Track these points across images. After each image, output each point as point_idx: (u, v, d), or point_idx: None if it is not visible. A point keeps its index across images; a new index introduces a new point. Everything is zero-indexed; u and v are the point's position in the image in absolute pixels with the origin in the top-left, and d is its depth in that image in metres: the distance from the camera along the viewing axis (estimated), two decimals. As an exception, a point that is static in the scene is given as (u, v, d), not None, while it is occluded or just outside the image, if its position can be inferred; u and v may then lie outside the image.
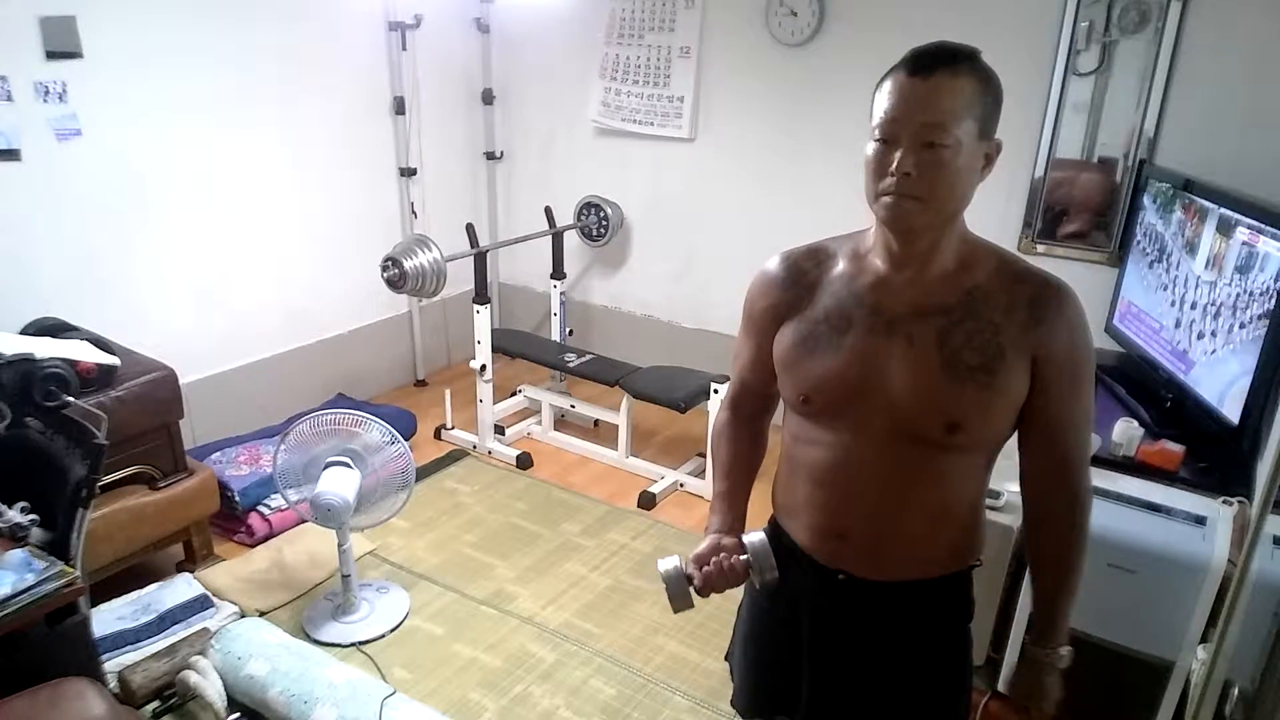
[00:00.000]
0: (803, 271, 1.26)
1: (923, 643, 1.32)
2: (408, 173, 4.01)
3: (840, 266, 1.25)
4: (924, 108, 1.08)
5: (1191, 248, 2.38)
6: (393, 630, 2.61)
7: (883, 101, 1.12)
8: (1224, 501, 2.05)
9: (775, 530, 1.39)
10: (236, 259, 3.42)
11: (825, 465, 1.26)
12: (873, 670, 1.33)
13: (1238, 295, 2.16)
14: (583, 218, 4.09)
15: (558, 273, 3.97)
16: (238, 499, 2.96)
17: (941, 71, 1.07)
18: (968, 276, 1.18)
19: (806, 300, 1.25)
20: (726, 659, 1.56)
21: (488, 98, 4.32)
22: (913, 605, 1.30)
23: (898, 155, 1.09)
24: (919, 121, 1.08)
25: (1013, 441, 1.26)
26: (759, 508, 1.42)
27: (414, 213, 4.08)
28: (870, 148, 1.13)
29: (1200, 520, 1.98)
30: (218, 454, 3.16)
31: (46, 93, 2.74)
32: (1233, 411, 2.13)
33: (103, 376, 2.44)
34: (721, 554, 1.26)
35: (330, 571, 2.79)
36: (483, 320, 3.53)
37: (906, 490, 1.22)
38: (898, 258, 1.18)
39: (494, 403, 3.69)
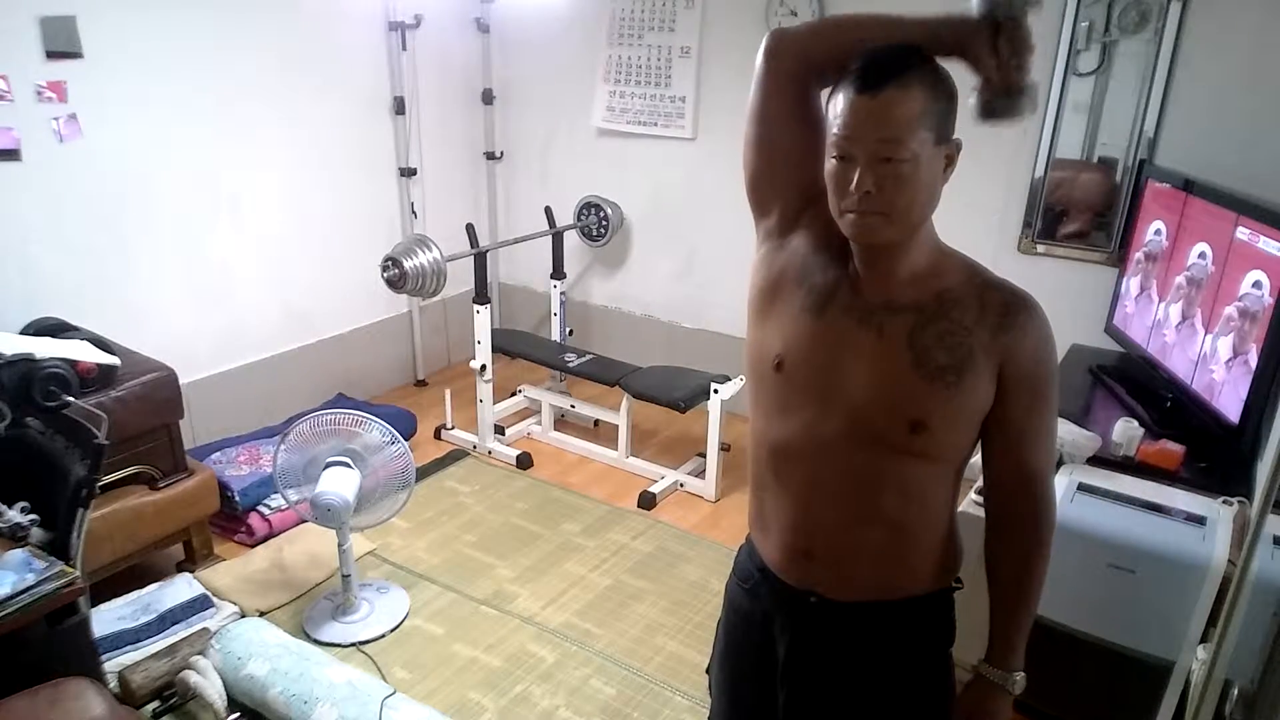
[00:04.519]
0: (828, 227, 1.21)
1: (899, 667, 1.30)
2: (408, 173, 4.01)
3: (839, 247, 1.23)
4: (877, 125, 1.07)
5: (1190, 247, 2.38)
6: (393, 630, 2.61)
7: (836, 117, 1.10)
8: (1224, 501, 2.05)
9: (750, 549, 1.38)
10: (236, 259, 3.42)
11: (790, 475, 1.25)
12: (848, 695, 1.31)
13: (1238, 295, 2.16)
14: (583, 218, 4.09)
15: (558, 273, 3.97)
16: (238, 499, 2.96)
17: (891, 86, 1.06)
18: (938, 280, 1.17)
19: (810, 247, 1.24)
20: (707, 672, 1.54)
21: (488, 98, 4.32)
22: (887, 628, 1.28)
23: (856, 174, 1.08)
24: (873, 139, 1.07)
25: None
26: (743, 522, 1.42)
27: (414, 213, 4.08)
28: (829, 164, 1.12)
29: (1200, 520, 1.98)
30: (218, 454, 3.16)
31: (46, 93, 2.75)
32: (1233, 411, 2.13)
33: (103, 376, 2.44)
34: None
35: (330, 571, 2.79)
36: (483, 320, 3.53)
37: (870, 502, 1.21)
38: (867, 260, 1.18)
39: (494, 403, 3.69)
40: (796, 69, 1.21)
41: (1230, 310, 2.19)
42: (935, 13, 1.14)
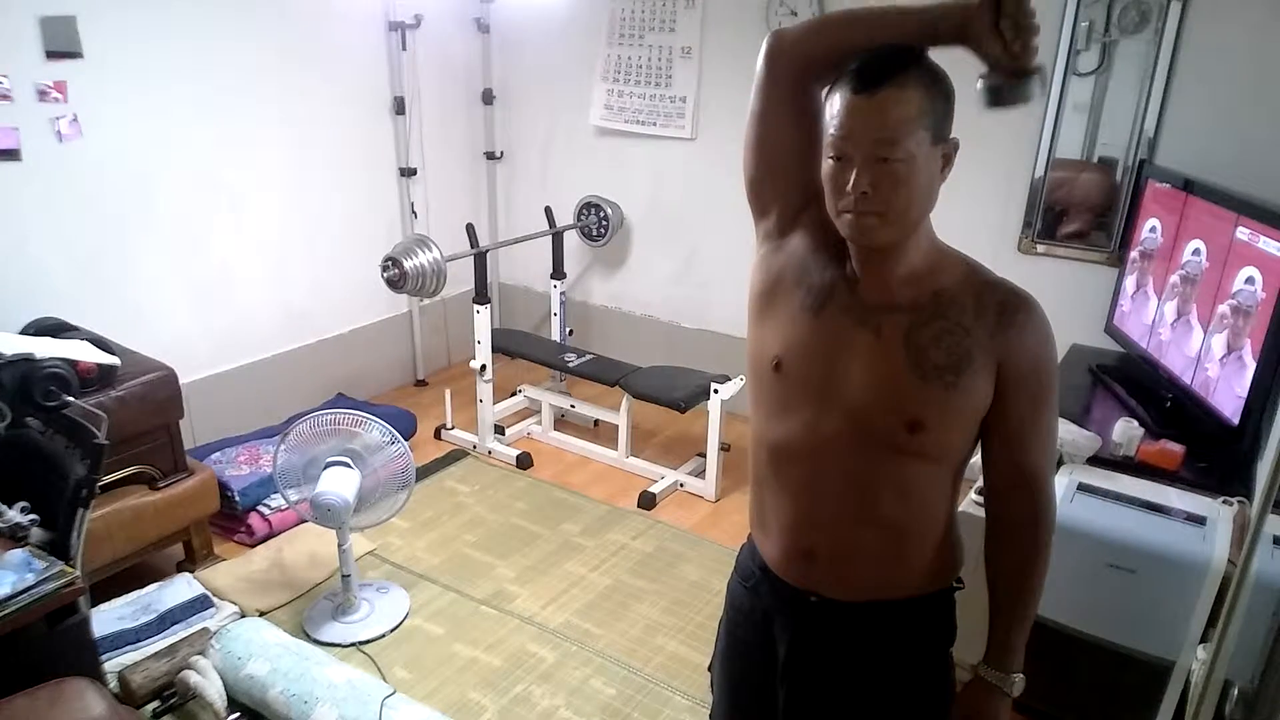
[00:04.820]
0: (826, 228, 1.20)
1: (899, 667, 1.30)
2: (408, 173, 4.01)
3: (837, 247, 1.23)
4: (873, 125, 1.06)
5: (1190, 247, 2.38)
6: (393, 630, 2.61)
7: (833, 117, 1.10)
8: (1224, 501, 2.05)
9: (752, 548, 1.38)
10: (236, 259, 3.42)
11: (790, 475, 1.25)
12: (849, 694, 1.31)
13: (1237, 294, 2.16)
14: (583, 218, 4.09)
15: (558, 273, 3.97)
16: (238, 499, 2.96)
17: (887, 86, 1.06)
18: (935, 280, 1.17)
19: (808, 248, 1.24)
20: (709, 670, 1.54)
21: (488, 98, 4.32)
22: (887, 628, 1.28)
23: (853, 174, 1.08)
24: (870, 139, 1.07)
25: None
26: (743, 522, 1.41)
27: (414, 213, 4.08)
28: (825, 165, 1.12)
29: (1200, 520, 1.98)
30: (218, 454, 3.16)
31: (46, 93, 2.75)
32: (1233, 411, 2.13)
33: (103, 376, 2.44)
34: None
35: (330, 571, 2.79)
36: (483, 320, 3.53)
37: (870, 502, 1.21)
38: (864, 259, 1.18)
39: (494, 403, 3.69)
40: (796, 70, 1.20)
41: (1230, 311, 2.19)
42: (934, 1, 1.12)
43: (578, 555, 3.01)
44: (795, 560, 1.28)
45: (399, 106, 3.90)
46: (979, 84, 1.11)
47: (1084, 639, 2.02)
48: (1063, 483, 2.10)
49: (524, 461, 3.57)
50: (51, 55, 2.73)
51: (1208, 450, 2.21)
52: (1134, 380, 2.58)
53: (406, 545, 3.03)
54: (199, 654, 2.31)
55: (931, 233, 1.18)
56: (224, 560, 2.86)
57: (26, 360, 2.17)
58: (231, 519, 3.01)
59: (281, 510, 3.00)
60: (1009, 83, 1.09)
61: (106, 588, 2.51)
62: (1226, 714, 1.72)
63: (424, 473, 3.41)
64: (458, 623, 2.66)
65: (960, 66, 1.14)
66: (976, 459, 1.27)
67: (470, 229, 3.52)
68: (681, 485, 3.46)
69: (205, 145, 3.22)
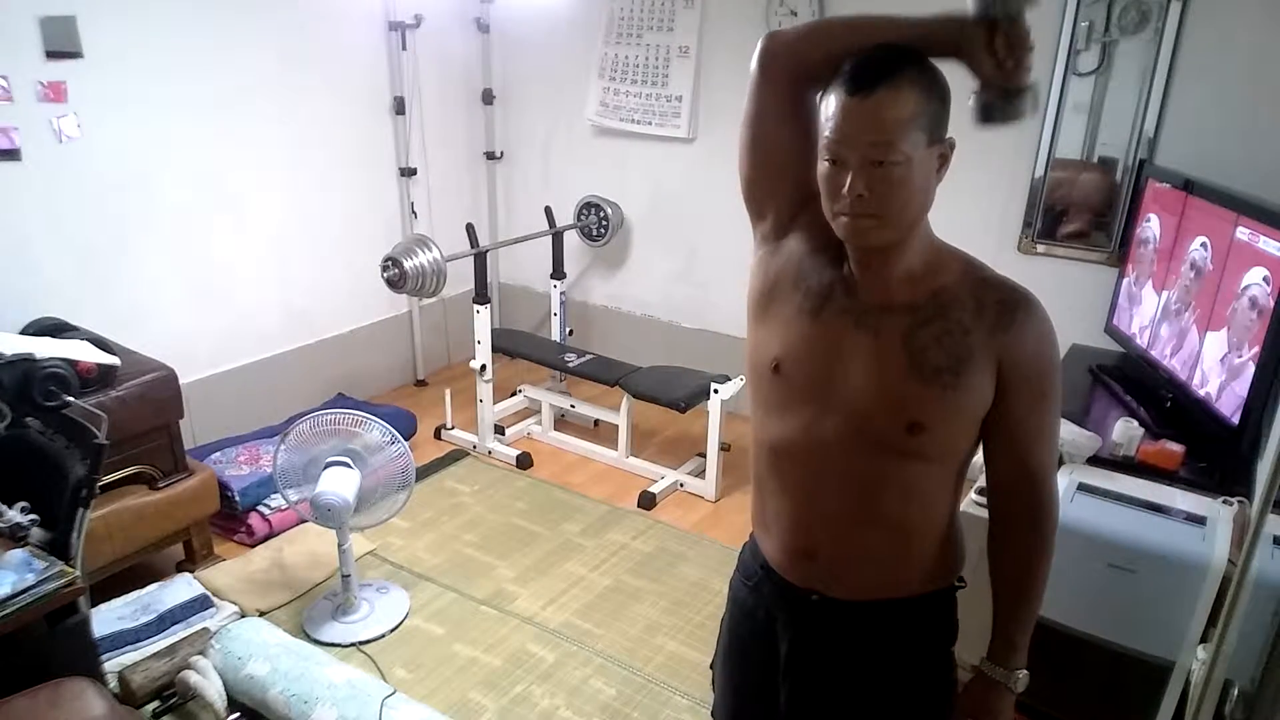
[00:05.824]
0: (824, 229, 1.19)
1: (901, 665, 1.30)
2: (408, 173, 4.01)
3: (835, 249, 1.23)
4: (868, 128, 1.05)
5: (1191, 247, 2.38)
6: (393, 630, 2.61)
7: (827, 120, 1.10)
8: (1224, 501, 2.05)
9: (754, 546, 1.38)
10: (236, 259, 3.43)
11: (790, 475, 1.26)
12: (850, 692, 1.31)
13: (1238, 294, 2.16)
14: (583, 218, 4.09)
15: (558, 273, 3.97)
16: (238, 499, 2.96)
17: (883, 88, 1.05)
18: (934, 279, 1.17)
19: (806, 249, 1.24)
20: (711, 667, 1.55)
21: (488, 98, 4.32)
22: (889, 626, 1.28)
23: (849, 177, 1.08)
24: (865, 141, 1.06)
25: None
26: (743, 521, 1.41)
27: (414, 213, 4.08)
28: (821, 167, 1.12)
29: (1200, 520, 1.98)
30: (218, 454, 3.16)
31: (46, 93, 2.75)
32: (1233, 411, 2.13)
33: (103, 376, 2.44)
34: None
35: (330, 571, 2.79)
36: (483, 320, 3.54)
37: (871, 502, 1.21)
38: (862, 261, 1.18)
39: (494, 403, 3.69)
40: (790, 73, 1.20)
41: (1230, 310, 2.19)
42: (930, 13, 1.12)
43: (578, 555, 3.01)
44: (796, 559, 1.28)
45: (399, 106, 3.90)
46: (971, 100, 1.12)
47: (1084, 639, 2.01)
48: (1063, 483, 2.09)
49: (524, 461, 3.57)
50: (51, 55, 2.73)
51: (1208, 450, 2.21)
52: (1134, 380, 2.58)
53: (406, 545, 3.03)
54: (199, 654, 2.31)
55: (930, 232, 1.18)
56: (224, 560, 2.86)
57: (26, 360, 2.17)
58: (231, 519, 3.01)
59: (281, 510, 3.00)
60: (1000, 100, 1.10)
61: (106, 588, 2.51)
62: (1226, 714, 1.72)
63: (424, 473, 3.41)
64: (458, 623, 2.66)
65: (958, 65, 1.14)
66: (978, 458, 1.27)
67: (470, 229, 3.52)
68: (681, 485, 3.46)
69: (205, 145, 3.22)
